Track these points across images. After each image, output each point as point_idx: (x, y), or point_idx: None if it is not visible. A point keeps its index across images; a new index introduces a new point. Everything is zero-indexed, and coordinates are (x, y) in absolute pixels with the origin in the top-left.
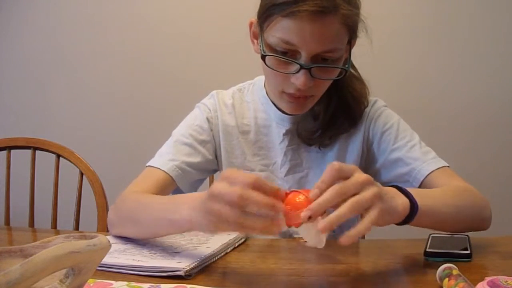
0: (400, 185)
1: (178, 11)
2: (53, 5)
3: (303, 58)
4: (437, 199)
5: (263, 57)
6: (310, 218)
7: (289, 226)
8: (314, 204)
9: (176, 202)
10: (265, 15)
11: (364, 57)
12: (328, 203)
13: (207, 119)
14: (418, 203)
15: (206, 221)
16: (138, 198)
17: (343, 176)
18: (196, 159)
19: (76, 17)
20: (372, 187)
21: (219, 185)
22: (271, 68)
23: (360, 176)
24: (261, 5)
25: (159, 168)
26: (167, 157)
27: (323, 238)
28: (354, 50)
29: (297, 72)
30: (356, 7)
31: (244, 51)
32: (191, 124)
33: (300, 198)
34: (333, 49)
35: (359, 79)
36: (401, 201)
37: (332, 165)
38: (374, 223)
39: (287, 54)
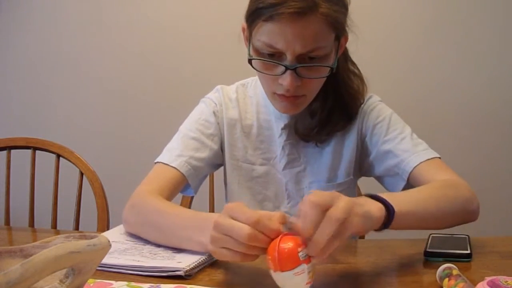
0: (389, 179)
1: (180, 8)
2: (53, 5)
3: (288, 59)
4: (414, 199)
5: (250, 61)
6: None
7: (275, 271)
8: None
9: (203, 223)
10: (249, 21)
11: (360, 54)
12: (314, 224)
13: (213, 112)
14: (394, 206)
15: (210, 248)
16: (159, 206)
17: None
18: (203, 153)
19: (76, 17)
20: (343, 198)
21: (225, 219)
22: (258, 71)
23: (338, 205)
24: (247, 11)
25: (169, 165)
26: (175, 153)
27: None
28: (350, 47)
29: (283, 73)
30: (339, 3)
31: (246, 48)
32: (197, 118)
33: (289, 244)
34: (317, 48)
35: (357, 75)
36: (375, 206)
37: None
38: (355, 229)
39: (274, 56)
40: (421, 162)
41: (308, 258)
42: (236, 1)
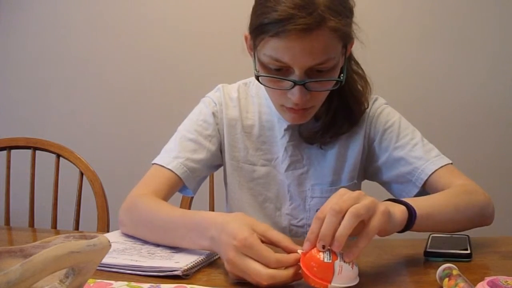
0: (398, 185)
1: (180, 7)
2: (53, 4)
3: (296, 73)
4: (435, 204)
5: (257, 78)
6: (324, 247)
7: (328, 282)
8: (321, 233)
9: (195, 227)
10: (254, 34)
11: (361, 55)
12: (332, 225)
13: (213, 113)
14: (416, 209)
15: (226, 263)
16: (151, 207)
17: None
18: (201, 155)
19: (76, 16)
20: (368, 197)
21: (241, 262)
22: (266, 86)
23: (352, 193)
24: (250, 23)
25: (165, 167)
26: (172, 154)
27: (353, 273)
28: (353, 48)
29: (292, 87)
30: (346, 14)
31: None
32: (196, 119)
33: (312, 263)
34: (326, 60)
35: (361, 76)
36: (398, 209)
37: (316, 216)
38: (380, 227)
39: (281, 70)
40: (436, 170)
41: (333, 255)
42: (238, 0)
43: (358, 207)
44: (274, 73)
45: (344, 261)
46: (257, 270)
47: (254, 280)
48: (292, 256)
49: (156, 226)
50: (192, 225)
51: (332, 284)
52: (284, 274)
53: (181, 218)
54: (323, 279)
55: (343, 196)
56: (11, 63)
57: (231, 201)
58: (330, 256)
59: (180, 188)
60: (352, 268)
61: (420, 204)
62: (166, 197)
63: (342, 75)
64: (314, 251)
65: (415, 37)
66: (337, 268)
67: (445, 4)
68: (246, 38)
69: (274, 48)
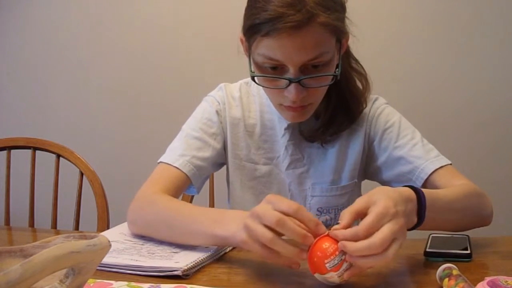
0: (398, 185)
1: (180, 7)
2: (53, 4)
3: (291, 71)
4: (444, 207)
5: (253, 78)
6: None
7: (314, 272)
8: (354, 248)
9: (219, 217)
10: (247, 35)
11: (361, 54)
12: (367, 250)
13: (217, 112)
14: (426, 213)
15: (242, 236)
16: (170, 204)
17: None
18: (206, 153)
19: (76, 16)
20: (405, 230)
21: (263, 206)
22: (262, 86)
23: (400, 218)
24: (243, 25)
25: (172, 165)
26: (178, 152)
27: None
28: (353, 47)
29: (288, 86)
30: (336, 8)
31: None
32: (200, 117)
33: (326, 245)
34: (319, 55)
35: (360, 73)
36: (411, 217)
37: (354, 211)
38: (395, 254)
39: (276, 68)
40: (436, 169)
41: (338, 265)
42: (238, 0)
43: (396, 248)
44: (270, 73)
45: (342, 274)
46: (273, 212)
47: (265, 231)
48: (313, 218)
49: (175, 223)
50: (214, 217)
51: (315, 275)
52: (290, 249)
53: (204, 214)
54: (313, 269)
55: (393, 216)
56: (11, 63)
57: (233, 199)
58: (334, 265)
59: (186, 188)
60: (339, 282)
61: (432, 207)
62: (175, 195)
63: (337, 70)
64: (331, 248)
65: (417, 37)
66: (327, 275)
67: (448, 4)
68: (241, 41)
69: (266, 47)
